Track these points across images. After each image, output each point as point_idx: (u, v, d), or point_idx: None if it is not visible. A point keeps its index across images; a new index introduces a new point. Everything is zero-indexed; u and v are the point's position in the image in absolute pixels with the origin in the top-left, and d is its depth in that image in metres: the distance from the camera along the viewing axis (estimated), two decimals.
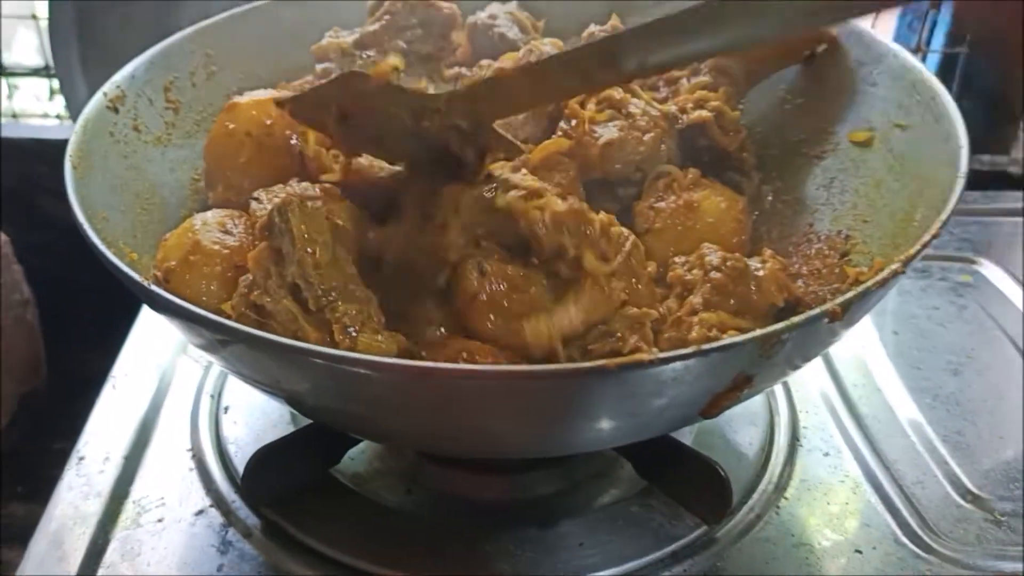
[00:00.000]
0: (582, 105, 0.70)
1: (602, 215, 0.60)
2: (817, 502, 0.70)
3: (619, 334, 0.59)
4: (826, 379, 0.82)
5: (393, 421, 0.58)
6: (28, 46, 1.96)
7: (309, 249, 0.57)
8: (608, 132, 0.68)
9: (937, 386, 0.81)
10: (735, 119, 0.73)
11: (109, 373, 0.82)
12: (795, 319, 0.50)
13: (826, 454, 0.74)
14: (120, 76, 0.71)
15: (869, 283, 0.51)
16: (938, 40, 1.24)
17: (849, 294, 0.51)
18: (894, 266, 0.53)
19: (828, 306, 0.51)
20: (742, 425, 0.76)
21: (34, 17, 1.38)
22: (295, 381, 0.56)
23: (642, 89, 0.72)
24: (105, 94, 0.69)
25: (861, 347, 0.85)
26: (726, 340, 0.49)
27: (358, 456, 0.72)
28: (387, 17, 0.74)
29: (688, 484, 0.67)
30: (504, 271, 0.60)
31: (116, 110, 0.70)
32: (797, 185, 0.75)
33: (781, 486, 0.71)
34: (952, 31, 1.22)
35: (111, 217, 0.63)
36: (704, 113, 0.71)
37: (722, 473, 0.65)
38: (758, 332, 0.49)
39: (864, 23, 0.78)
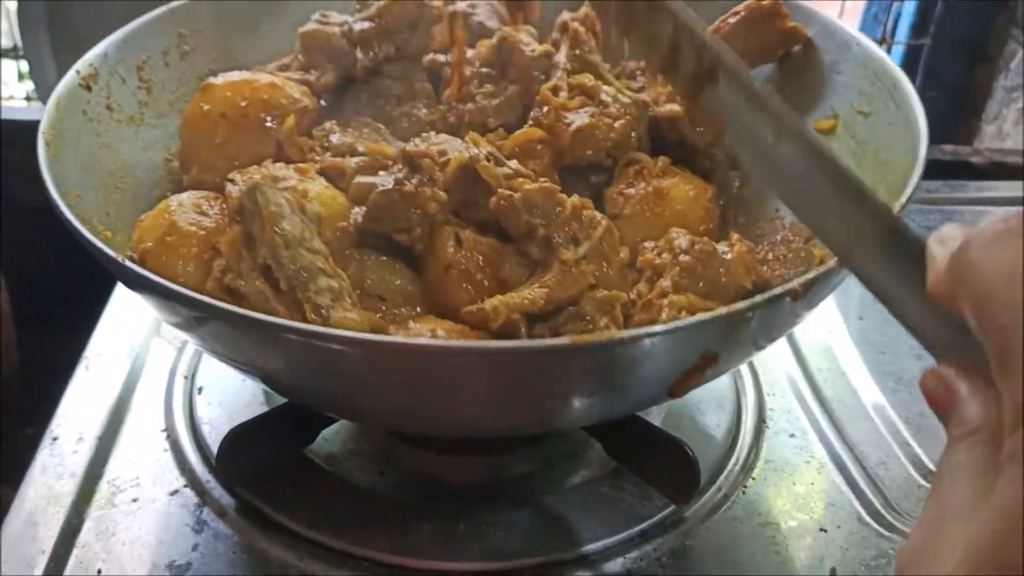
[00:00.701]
0: (554, 92, 0.71)
1: (574, 198, 0.61)
2: (783, 483, 0.72)
3: (589, 316, 0.60)
4: (792, 363, 0.83)
5: (364, 398, 0.58)
6: None
7: (278, 230, 0.57)
8: (579, 119, 0.69)
9: (900, 370, 0.83)
10: None
11: (82, 355, 0.82)
12: (758, 298, 0.51)
13: (792, 436, 0.76)
14: (92, 54, 0.71)
15: (830, 264, 0.53)
16: (902, 32, 1.26)
17: (810, 274, 0.53)
18: None
19: (790, 285, 0.52)
20: (710, 408, 0.77)
21: None
22: (269, 358, 0.56)
23: (617, 78, 0.73)
24: (78, 72, 0.69)
25: (827, 332, 0.87)
26: (692, 319, 0.50)
27: (332, 437, 0.73)
28: (379, 20, 0.74)
29: (657, 465, 0.68)
30: (479, 243, 0.61)
31: (89, 88, 0.69)
32: None
33: (748, 467, 0.73)
34: (916, 23, 1.25)
35: (84, 195, 0.63)
36: (676, 108, 0.72)
37: (690, 453, 0.66)
38: (723, 310, 0.50)
39: (830, 14, 0.80)
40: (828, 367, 0.83)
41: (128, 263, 0.53)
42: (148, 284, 0.53)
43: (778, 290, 0.51)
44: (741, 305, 0.50)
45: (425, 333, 0.58)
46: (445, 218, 0.62)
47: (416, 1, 0.74)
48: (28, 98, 1.44)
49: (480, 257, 0.61)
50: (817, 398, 0.80)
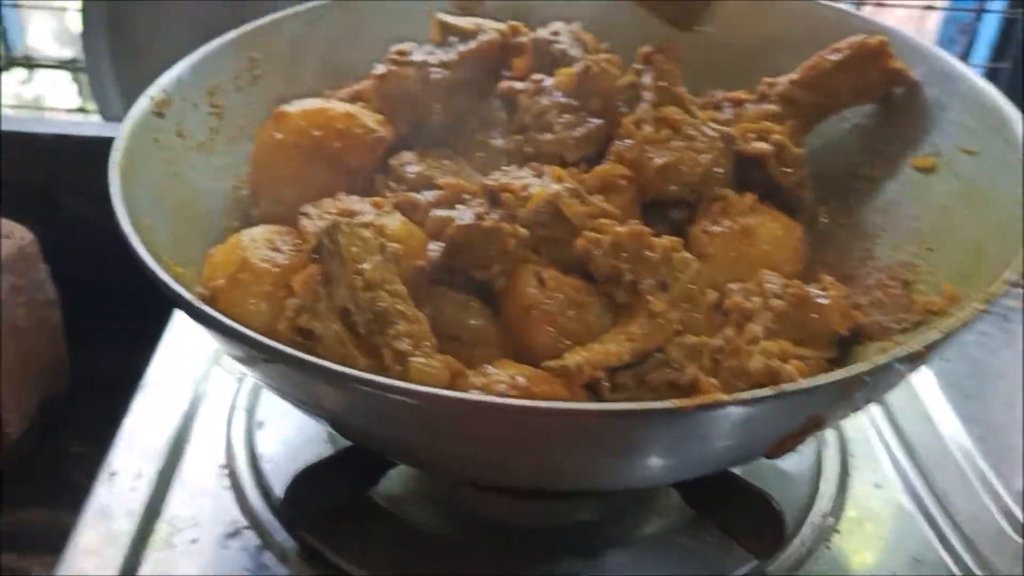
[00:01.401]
0: (637, 125, 0.68)
1: (665, 239, 0.58)
2: (869, 536, 0.68)
3: (677, 364, 0.57)
4: (875, 407, 0.80)
5: (440, 452, 0.56)
6: (46, 33, 1.94)
7: (358, 271, 0.55)
8: (664, 153, 0.66)
9: (989, 417, 0.79)
10: (797, 156, 0.70)
11: (134, 378, 0.80)
12: (879, 360, 0.48)
13: (877, 486, 0.72)
14: (165, 80, 0.69)
15: (954, 324, 0.49)
16: (981, 53, 1.21)
17: (934, 336, 0.49)
18: (978, 305, 0.51)
19: (912, 348, 0.49)
20: (789, 454, 0.73)
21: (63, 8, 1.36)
22: (340, 405, 0.54)
23: (703, 109, 0.70)
24: (151, 99, 0.67)
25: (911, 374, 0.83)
26: (807, 382, 0.47)
27: (394, 477, 0.70)
28: (460, 68, 0.70)
29: (739, 516, 0.65)
30: (563, 283, 0.58)
31: (161, 115, 0.67)
32: (854, 208, 0.73)
33: (832, 519, 0.69)
34: (997, 44, 1.19)
35: (155, 227, 0.61)
36: (764, 145, 0.69)
37: (776, 507, 0.63)
38: (840, 374, 0.47)
39: (910, 34, 0.76)
40: (913, 412, 0.79)
41: (202, 305, 0.51)
42: (221, 327, 0.51)
43: (900, 351, 0.48)
44: (861, 368, 0.47)
45: (505, 380, 0.55)
46: (525, 255, 0.60)
47: (503, 42, 0.71)
48: (82, 110, 1.44)
49: (563, 298, 0.58)
50: (903, 445, 0.76)
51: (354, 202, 0.62)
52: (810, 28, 0.78)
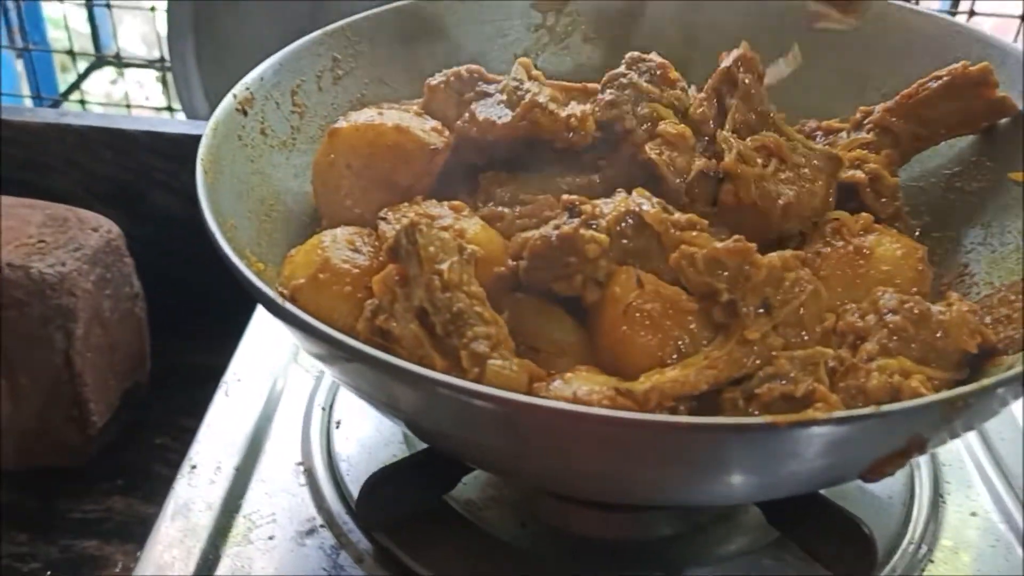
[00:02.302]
0: (746, 161, 0.63)
1: (773, 257, 0.55)
2: (965, 567, 0.64)
3: (790, 377, 0.53)
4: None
5: (515, 459, 0.55)
6: (135, 33, 2.00)
7: (436, 271, 0.54)
8: (783, 190, 0.62)
9: None
10: (893, 186, 0.67)
11: (214, 372, 0.81)
12: (985, 381, 0.45)
13: (973, 514, 0.69)
14: (249, 78, 0.69)
15: None
16: None
17: None
18: None
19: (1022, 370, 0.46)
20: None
21: (152, 9, 1.39)
22: (416, 406, 0.53)
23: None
24: (235, 96, 0.68)
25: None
26: (908, 403, 0.44)
27: (471, 481, 0.69)
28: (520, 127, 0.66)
29: (826, 539, 0.62)
30: (661, 287, 0.56)
31: (245, 113, 0.68)
32: (949, 222, 0.70)
33: (925, 547, 0.66)
34: None
35: (238, 224, 0.62)
36: (859, 174, 0.66)
37: (866, 531, 0.60)
38: (944, 394, 0.44)
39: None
40: (1009, 436, 0.75)
41: (283, 302, 0.51)
42: (301, 324, 0.50)
43: (1010, 374, 0.45)
44: (964, 390, 0.44)
45: (570, 390, 0.53)
46: (609, 266, 0.58)
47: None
48: (169, 108, 1.47)
49: (662, 303, 0.55)
50: (999, 471, 0.72)
51: (432, 206, 0.62)
52: (905, 37, 0.76)
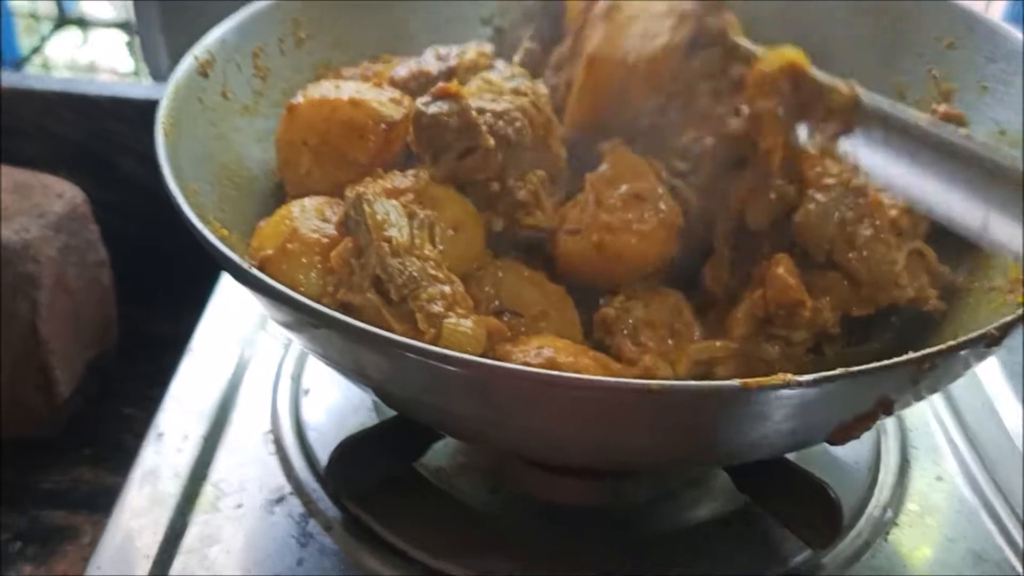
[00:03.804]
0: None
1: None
2: (929, 530, 0.65)
3: None
4: (936, 396, 0.76)
5: (475, 421, 0.54)
6: None
7: (385, 238, 0.54)
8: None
9: None
10: None
11: (179, 338, 0.80)
12: (951, 342, 0.45)
13: (939, 478, 0.69)
14: (210, 40, 0.68)
15: None
16: None
17: (1009, 317, 0.47)
18: None
19: (986, 330, 0.46)
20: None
21: None
22: (379, 371, 0.53)
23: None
24: (196, 58, 0.66)
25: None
26: (876, 364, 0.44)
27: (441, 449, 0.69)
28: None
29: (793, 504, 0.62)
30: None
31: (206, 75, 0.66)
32: None
33: (891, 511, 0.66)
34: None
35: (201, 189, 0.60)
36: None
37: (832, 495, 0.60)
38: (911, 356, 0.44)
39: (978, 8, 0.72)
40: (977, 402, 0.76)
41: (254, 271, 0.50)
42: (267, 290, 0.50)
43: (974, 335, 0.45)
44: (932, 350, 0.45)
45: (532, 350, 0.54)
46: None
47: None
48: (136, 73, 1.44)
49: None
50: (965, 436, 0.73)
51: (396, 177, 0.61)
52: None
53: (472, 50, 0.71)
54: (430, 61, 0.71)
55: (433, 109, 0.59)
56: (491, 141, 0.59)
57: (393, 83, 0.69)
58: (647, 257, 0.60)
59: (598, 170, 0.61)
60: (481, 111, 0.59)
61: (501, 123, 0.59)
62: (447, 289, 0.54)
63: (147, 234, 1.00)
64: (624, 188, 0.59)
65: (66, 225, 0.92)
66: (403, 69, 0.71)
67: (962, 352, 0.47)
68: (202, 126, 0.65)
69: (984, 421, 0.74)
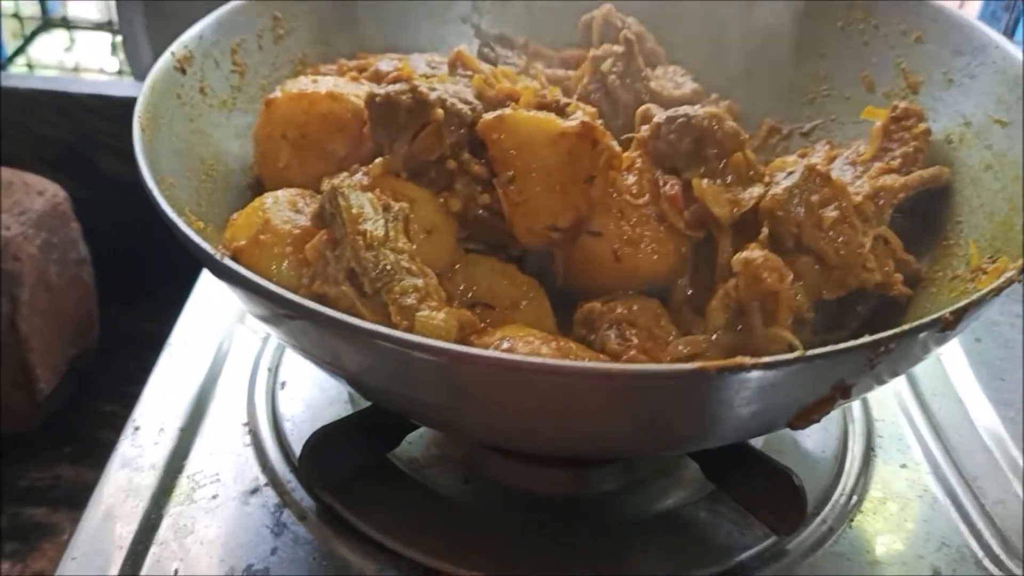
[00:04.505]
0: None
1: None
2: (894, 518, 0.67)
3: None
4: (903, 386, 0.78)
5: (446, 410, 0.55)
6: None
7: (359, 231, 0.55)
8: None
9: (1020, 398, 0.77)
10: None
11: (161, 336, 0.80)
12: (905, 327, 0.47)
13: (903, 466, 0.71)
14: (188, 36, 0.69)
15: (984, 291, 0.48)
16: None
17: (963, 302, 0.48)
18: (1010, 274, 0.49)
19: (940, 314, 0.47)
20: (814, 430, 0.72)
21: None
22: (353, 361, 0.53)
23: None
24: (173, 54, 0.67)
25: (940, 352, 0.81)
26: (831, 348, 0.46)
27: (416, 440, 0.70)
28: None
29: (759, 491, 0.63)
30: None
31: (184, 71, 0.67)
32: None
33: (856, 498, 0.68)
34: None
35: (177, 183, 0.61)
36: None
37: (796, 482, 0.61)
38: (868, 339, 0.46)
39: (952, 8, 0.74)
40: (943, 392, 0.78)
41: (228, 261, 0.51)
42: (242, 281, 0.50)
43: (928, 319, 0.46)
44: (887, 333, 0.46)
45: (494, 341, 0.55)
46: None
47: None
48: (120, 72, 1.44)
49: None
50: (931, 425, 0.75)
51: (357, 174, 0.62)
52: None
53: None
54: (419, 64, 0.72)
55: (386, 90, 0.60)
56: (440, 112, 0.60)
57: (377, 75, 0.70)
58: (658, 274, 0.60)
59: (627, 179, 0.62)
60: (433, 89, 0.61)
61: (455, 100, 0.61)
62: (420, 282, 0.55)
63: (129, 233, 1.01)
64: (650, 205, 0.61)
65: (47, 223, 0.92)
66: (387, 65, 0.71)
67: (919, 336, 0.48)
68: (180, 121, 0.66)
69: (949, 411, 0.76)
